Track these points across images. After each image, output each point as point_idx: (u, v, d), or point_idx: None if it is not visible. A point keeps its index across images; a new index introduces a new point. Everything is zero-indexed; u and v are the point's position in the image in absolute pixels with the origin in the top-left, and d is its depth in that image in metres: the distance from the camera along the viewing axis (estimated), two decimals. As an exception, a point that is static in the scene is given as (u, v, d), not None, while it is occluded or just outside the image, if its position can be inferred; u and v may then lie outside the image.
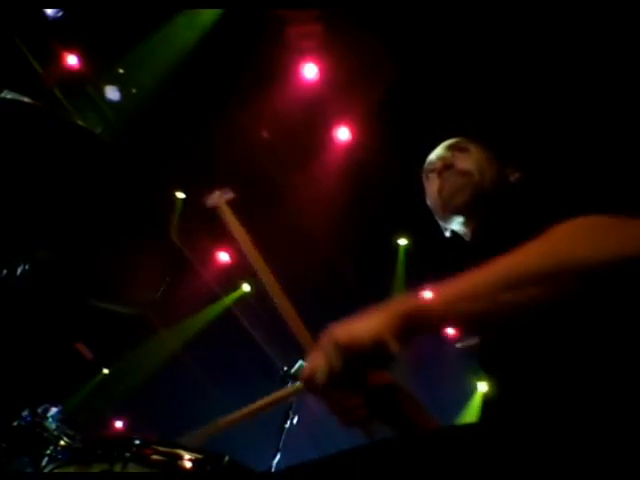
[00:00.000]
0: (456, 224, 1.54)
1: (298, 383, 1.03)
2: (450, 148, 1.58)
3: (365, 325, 0.96)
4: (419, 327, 0.97)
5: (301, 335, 1.20)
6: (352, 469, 0.91)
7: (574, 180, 1.17)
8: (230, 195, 1.36)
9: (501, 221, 1.38)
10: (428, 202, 1.61)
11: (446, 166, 1.53)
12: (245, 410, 1.19)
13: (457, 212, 1.50)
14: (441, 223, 1.59)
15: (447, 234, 1.61)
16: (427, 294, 0.99)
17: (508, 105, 4.09)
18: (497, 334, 1.21)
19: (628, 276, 0.94)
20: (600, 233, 0.97)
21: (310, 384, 1.02)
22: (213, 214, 1.34)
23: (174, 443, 1.59)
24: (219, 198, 1.34)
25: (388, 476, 0.89)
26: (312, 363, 1.01)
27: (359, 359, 0.96)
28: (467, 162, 1.52)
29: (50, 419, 1.87)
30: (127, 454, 1.52)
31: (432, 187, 1.57)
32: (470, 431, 0.97)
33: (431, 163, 1.60)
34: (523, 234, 0.97)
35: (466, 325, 0.99)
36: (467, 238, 1.54)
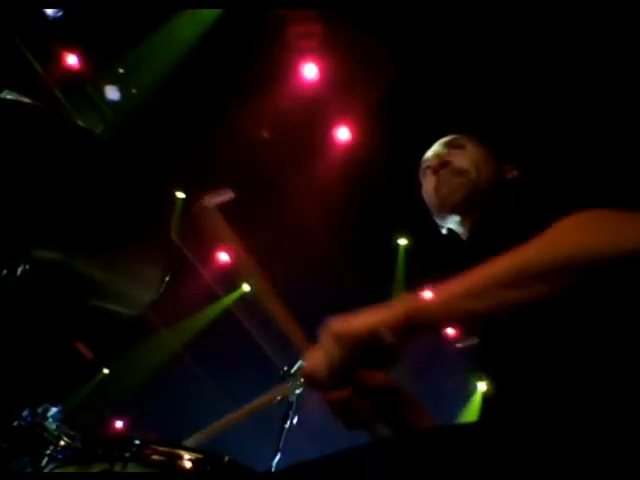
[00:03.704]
0: (452, 223, 1.53)
1: (288, 384, 1.03)
2: (447, 145, 1.57)
3: (363, 318, 0.97)
4: (419, 326, 0.96)
5: (295, 336, 1.19)
6: (352, 468, 0.91)
7: (574, 177, 1.15)
8: (230, 195, 1.35)
9: (498, 220, 1.38)
10: (425, 199, 1.61)
11: (442, 164, 1.51)
12: (241, 411, 1.18)
13: (453, 211, 1.49)
14: (437, 220, 1.59)
15: (443, 231, 1.60)
16: (427, 294, 0.98)
17: (507, 104, 4.09)
18: (496, 334, 1.21)
19: (632, 274, 0.89)
20: (613, 226, 0.91)
21: (311, 380, 1.02)
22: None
23: (174, 443, 1.59)
24: (217, 198, 1.34)
25: (388, 475, 0.89)
26: (312, 358, 1.01)
27: (357, 351, 0.96)
28: (464, 160, 1.51)
29: (50, 419, 1.86)
30: (127, 454, 1.52)
31: (428, 185, 1.55)
32: (470, 430, 0.97)
33: (428, 160, 1.59)
34: (521, 233, 0.96)
35: (466, 324, 0.98)
36: (464, 237, 1.53)
